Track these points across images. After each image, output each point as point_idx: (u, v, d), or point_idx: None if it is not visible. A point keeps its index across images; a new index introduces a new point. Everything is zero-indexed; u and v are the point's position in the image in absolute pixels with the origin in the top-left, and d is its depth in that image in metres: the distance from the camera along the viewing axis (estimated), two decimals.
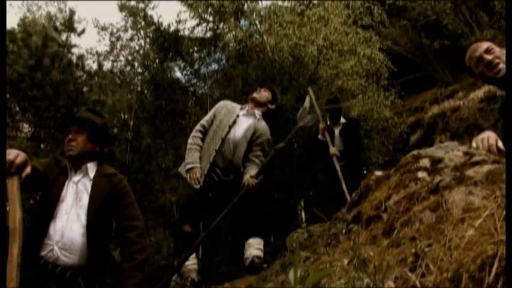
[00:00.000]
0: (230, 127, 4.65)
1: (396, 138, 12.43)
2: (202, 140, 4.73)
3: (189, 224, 4.46)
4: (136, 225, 3.22)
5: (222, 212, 4.28)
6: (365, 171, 6.37)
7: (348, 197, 5.41)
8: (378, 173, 3.85)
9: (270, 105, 4.91)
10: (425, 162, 2.68)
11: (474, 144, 2.55)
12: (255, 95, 4.88)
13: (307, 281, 1.06)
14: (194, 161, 4.57)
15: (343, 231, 3.21)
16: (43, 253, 2.99)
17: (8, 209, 2.48)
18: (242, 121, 4.73)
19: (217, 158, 4.58)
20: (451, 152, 2.61)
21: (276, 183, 9.23)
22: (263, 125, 4.78)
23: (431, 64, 14.15)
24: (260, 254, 4.43)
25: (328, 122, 6.79)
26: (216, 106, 4.92)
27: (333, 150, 6.28)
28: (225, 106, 4.85)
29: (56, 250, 2.99)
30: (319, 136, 6.54)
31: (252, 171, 4.53)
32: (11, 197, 2.45)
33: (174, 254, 4.85)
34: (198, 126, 4.83)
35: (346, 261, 1.94)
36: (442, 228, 1.56)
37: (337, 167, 6.14)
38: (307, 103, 5.89)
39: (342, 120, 6.76)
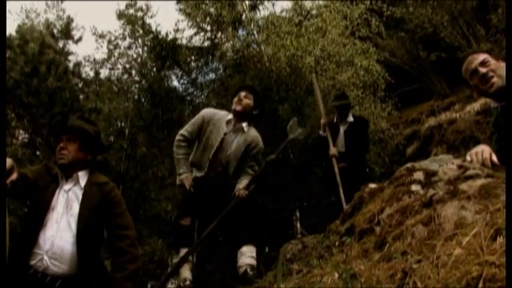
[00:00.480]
0: (218, 148, 4.58)
1: (393, 149, 12.41)
2: (187, 147, 4.70)
3: (187, 217, 4.45)
4: (128, 234, 3.19)
5: (214, 219, 4.28)
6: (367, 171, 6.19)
7: (344, 203, 5.28)
8: (372, 185, 3.84)
9: (254, 112, 4.78)
10: (419, 175, 2.67)
11: (468, 158, 2.54)
12: (237, 107, 4.67)
13: None
14: (186, 171, 4.55)
15: (336, 243, 3.19)
16: (32, 262, 2.96)
17: None
18: (231, 139, 4.65)
19: (209, 171, 4.57)
20: (445, 165, 2.59)
21: (271, 193, 9.20)
22: (253, 134, 4.71)
23: (428, 76, 14.18)
24: (253, 262, 4.40)
25: (335, 119, 6.47)
26: (201, 117, 4.74)
27: (332, 150, 5.95)
28: (211, 120, 4.68)
29: (46, 259, 2.95)
30: (321, 132, 6.29)
31: (244, 181, 4.51)
32: None
33: (171, 246, 4.80)
34: (179, 136, 4.73)
35: (336, 275, 1.92)
36: (433, 244, 1.54)
37: (336, 169, 5.82)
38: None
39: (350, 118, 6.40)
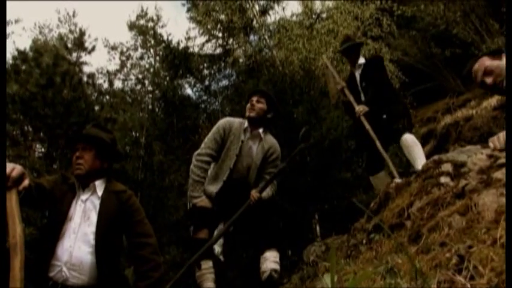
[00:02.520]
0: (237, 156, 4.51)
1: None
2: (208, 167, 4.58)
3: (204, 230, 4.36)
4: (150, 242, 3.12)
5: (235, 228, 4.22)
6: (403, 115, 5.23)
7: (385, 155, 4.93)
8: (397, 180, 3.79)
9: (268, 115, 4.63)
10: (447, 167, 2.61)
11: (491, 144, 2.49)
12: (251, 114, 4.48)
13: (350, 283, 0.99)
14: (201, 195, 4.42)
15: (364, 241, 3.14)
16: (52, 274, 2.90)
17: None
18: (249, 147, 4.57)
19: (228, 181, 4.49)
20: (474, 155, 2.53)
21: (289, 197, 9.15)
22: (271, 141, 4.60)
23: (442, 74, 14.06)
24: (277, 267, 4.32)
25: (349, 76, 5.79)
26: (221, 130, 4.63)
27: (358, 108, 5.31)
28: (230, 130, 4.58)
29: (65, 271, 2.90)
30: (342, 98, 5.64)
31: (264, 192, 4.43)
32: (10, 212, 2.37)
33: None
34: (205, 156, 4.51)
35: (371, 270, 1.86)
36: (474, 232, 1.49)
37: (367, 125, 5.18)
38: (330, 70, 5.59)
39: (361, 60, 5.69)
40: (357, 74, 5.51)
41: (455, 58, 13.09)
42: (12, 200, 2.43)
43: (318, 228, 10.56)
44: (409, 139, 4.70)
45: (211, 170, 4.57)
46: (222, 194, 4.43)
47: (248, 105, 4.56)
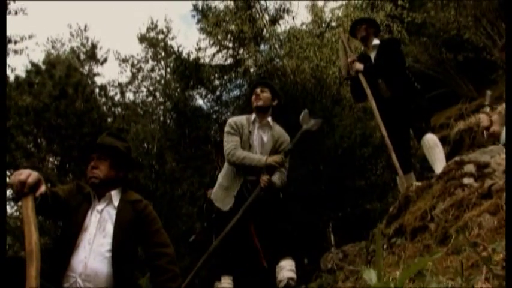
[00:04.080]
0: (250, 145, 4.53)
1: (423, 156, 12.20)
2: None
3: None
4: (167, 252, 3.06)
5: (250, 229, 4.17)
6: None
7: (391, 151, 4.78)
8: (417, 183, 3.73)
9: (273, 103, 4.61)
10: (470, 168, 2.56)
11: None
12: (258, 103, 4.53)
13: (400, 279, 0.94)
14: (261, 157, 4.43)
15: (385, 246, 3.09)
16: (66, 285, 2.84)
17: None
18: (259, 137, 4.60)
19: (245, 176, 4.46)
20: (497, 156, 2.48)
21: (303, 205, 9.10)
22: (279, 130, 4.61)
23: (454, 80, 13.95)
24: (293, 275, 4.26)
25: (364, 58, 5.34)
26: (233, 126, 4.66)
27: (356, 65, 5.05)
28: (240, 124, 4.65)
29: (80, 282, 2.84)
30: (351, 72, 5.24)
31: (274, 177, 4.40)
32: (26, 219, 2.34)
33: (212, 275, 4.63)
34: (233, 150, 4.55)
35: (398, 274, 1.81)
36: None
37: (365, 84, 4.96)
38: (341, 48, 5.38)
39: (375, 41, 5.28)
40: (372, 55, 5.23)
41: (467, 63, 13.00)
42: (28, 206, 2.41)
43: (332, 236, 10.50)
44: (431, 140, 4.61)
45: (226, 172, 4.56)
46: (242, 194, 4.39)
47: (253, 97, 4.61)
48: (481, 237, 1.58)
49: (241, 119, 4.68)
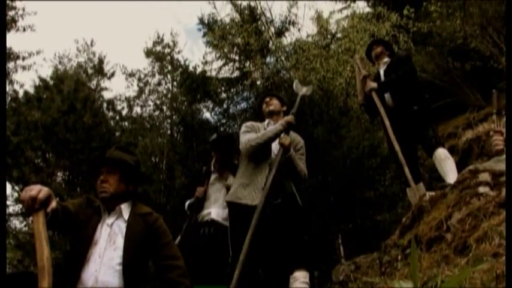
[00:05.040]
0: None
1: (431, 166, 12.14)
2: None
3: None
4: (178, 264, 3.05)
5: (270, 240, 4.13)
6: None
7: (401, 158, 4.65)
8: (430, 193, 3.70)
9: (283, 109, 4.77)
10: (485, 176, 2.54)
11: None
12: (270, 108, 4.69)
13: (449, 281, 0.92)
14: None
15: (399, 257, 3.06)
16: None
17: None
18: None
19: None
20: None
21: (312, 217, 9.06)
22: (293, 133, 4.71)
23: (461, 89, 13.91)
24: (307, 286, 4.24)
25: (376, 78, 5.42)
26: (249, 126, 4.74)
27: (369, 84, 5.15)
28: (257, 126, 4.74)
29: None
30: (366, 91, 5.30)
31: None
32: (37, 234, 2.35)
33: None
34: (251, 141, 4.59)
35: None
36: None
37: (378, 102, 5.00)
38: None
39: (386, 59, 5.45)
40: (381, 70, 5.37)
41: (474, 72, 12.97)
42: (40, 222, 2.42)
43: (341, 248, 10.44)
44: (442, 153, 4.68)
45: (244, 171, 4.54)
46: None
47: (264, 105, 4.80)
48: (503, 247, 1.55)
49: (256, 123, 4.79)
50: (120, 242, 2.98)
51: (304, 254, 4.30)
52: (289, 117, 4.44)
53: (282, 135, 4.35)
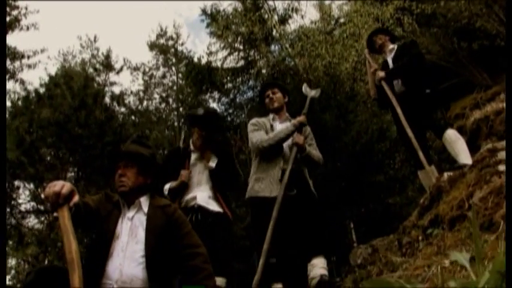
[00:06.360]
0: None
1: (440, 148, 12.14)
2: None
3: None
4: (200, 251, 3.09)
5: (285, 231, 4.17)
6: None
7: (414, 142, 4.67)
8: (448, 173, 3.72)
9: (286, 100, 4.80)
10: (503, 154, 2.56)
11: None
12: (274, 105, 4.72)
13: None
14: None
15: (420, 237, 3.08)
16: None
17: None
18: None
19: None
20: None
21: (324, 203, 9.09)
22: None
23: (467, 69, 13.83)
24: (326, 272, 4.28)
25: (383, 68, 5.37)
26: (257, 123, 4.76)
27: (378, 73, 5.15)
28: (263, 122, 4.76)
29: None
30: (376, 82, 5.30)
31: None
32: (64, 228, 2.40)
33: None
34: (262, 141, 4.61)
35: (447, 263, 1.82)
36: None
37: (389, 92, 5.02)
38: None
39: (391, 46, 5.41)
40: (389, 59, 5.36)
41: (481, 52, 12.89)
42: (65, 216, 2.46)
43: (353, 232, 10.49)
44: (453, 135, 4.64)
45: (258, 167, 4.59)
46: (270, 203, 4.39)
47: (267, 100, 4.79)
48: None
49: (261, 119, 4.80)
50: (141, 234, 3.02)
51: (321, 241, 4.35)
52: (302, 118, 4.48)
53: (295, 134, 4.39)
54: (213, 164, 4.38)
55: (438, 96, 4.97)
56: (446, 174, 3.57)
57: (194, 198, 4.31)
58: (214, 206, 4.30)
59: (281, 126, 4.64)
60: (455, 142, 4.58)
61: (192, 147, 4.55)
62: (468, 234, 2.13)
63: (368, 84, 5.82)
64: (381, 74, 5.14)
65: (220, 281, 3.84)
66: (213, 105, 15.36)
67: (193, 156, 4.49)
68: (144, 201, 3.16)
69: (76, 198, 2.61)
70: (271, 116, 4.75)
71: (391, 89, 5.09)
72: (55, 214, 2.58)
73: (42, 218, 13.03)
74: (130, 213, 3.10)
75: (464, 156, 4.26)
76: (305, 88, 5.09)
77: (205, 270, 3.02)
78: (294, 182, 4.38)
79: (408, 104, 4.94)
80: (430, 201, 3.21)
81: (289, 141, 4.50)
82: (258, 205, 4.38)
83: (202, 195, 4.32)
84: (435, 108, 4.89)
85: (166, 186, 4.40)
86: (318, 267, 4.21)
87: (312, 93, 5.00)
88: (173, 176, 4.38)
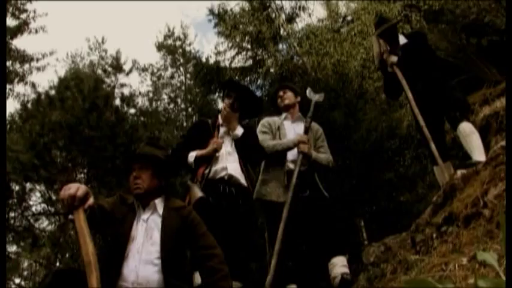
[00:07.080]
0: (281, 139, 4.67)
1: (449, 144, 12.08)
2: None
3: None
4: (216, 253, 3.12)
5: (299, 231, 4.19)
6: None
7: (428, 137, 4.62)
8: (461, 171, 3.72)
9: (297, 100, 4.91)
10: None
11: None
12: (285, 102, 4.83)
13: None
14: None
15: (434, 235, 3.09)
16: None
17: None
18: (294, 131, 4.73)
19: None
20: None
21: (336, 200, 9.09)
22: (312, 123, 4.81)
23: (476, 65, 13.75)
24: (347, 270, 4.29)
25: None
26: (266, 124, 4.80)
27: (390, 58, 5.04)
28: (273, 122, 4.82)
29: None
30: (388, 69, 5.14)
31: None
32: (80, 231, 2.45)
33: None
34: (267, 142, 4.65)
35: (465, 260, 1.83)
36: None
37: (403, 81, 4.93)
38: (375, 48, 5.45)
39: (402, 40, 5.22)
40: (400, 53, 5.16)
41: (489, 47, 12.83)
42: (81, 219, 2.51)
43: (364, 230, 10.48)
44: (467, 128, 4.53)
45: (264, 168, 4.65)
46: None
47: (278, 100, 4.92)
48: None
49: (273, 118, 4.86)
50: (156, 236, 3.05)
51: (339, 240, 4.38)
52: (303, 138, 4.46)
53: (300, 144, 4.41)
54: (238, 132, 4.34)
55: (457, 98, 4.86)
56: (459, 172, 3.57)
57: (225, 168, 4.22)
58: (243, 179, 4.27)
59: (292, 127, 4.75)
60: (470, 136, 4.49)
61: (220, 120, 4.49)
62: (484, 232, 2.14)
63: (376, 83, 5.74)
64: (393, 58, 5.00)
65: (236, 285, 3.81)
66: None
67: (222, 130, 4.42)
68: (159, 203, 3.20)
69: (91, 200, 2.65)
70: (283, 115, 4.85)
71: (404, 75, 4.95)
72: (70, 217, 2.62)
73: (53, 220, 13.13)
74: (145, 215, 3.14)
75: (478, 153, 4.22)
76: (309, 92, 5.16)
77: (222, 271, 3.04)
78: (304, 184, 4.42)
79: (427, 100, 4.85)
80: (444, 199, 3.22)
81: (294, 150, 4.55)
82: (267, 208, 4.47)
83: (233, 166, 4.25)
84: (454, 109, 4.79)
85: (193, 153, 4.27)
86: (339, 265, 4.24)
87: (316, 97, 5.07)
88: (198, 146, 4.29)
